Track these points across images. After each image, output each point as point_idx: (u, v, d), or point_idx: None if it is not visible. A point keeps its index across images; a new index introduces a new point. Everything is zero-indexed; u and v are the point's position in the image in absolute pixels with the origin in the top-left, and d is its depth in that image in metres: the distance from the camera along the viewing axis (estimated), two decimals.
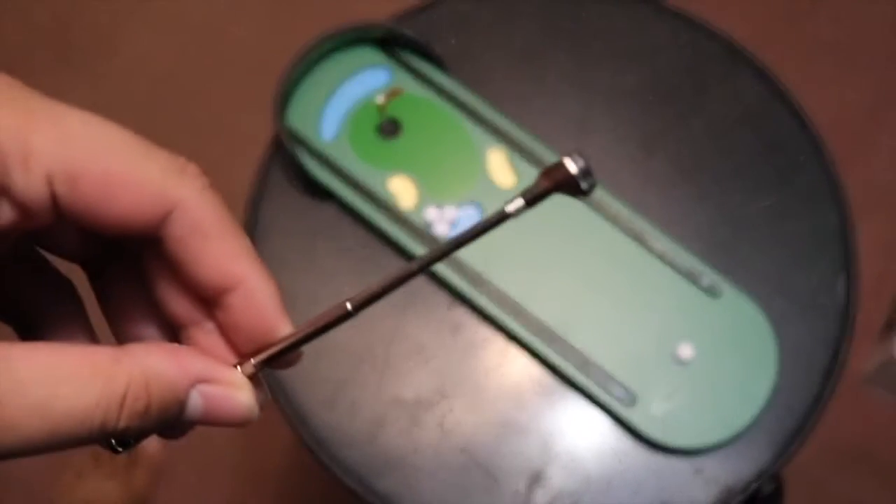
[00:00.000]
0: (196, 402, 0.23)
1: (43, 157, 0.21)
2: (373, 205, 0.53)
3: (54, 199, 0.22)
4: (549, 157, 0.53)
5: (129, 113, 0.97)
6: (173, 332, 0.26)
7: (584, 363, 0.50)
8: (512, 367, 0.51)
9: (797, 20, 0.99)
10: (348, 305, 0.24)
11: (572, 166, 0.24)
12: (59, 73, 1.00)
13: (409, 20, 0.57)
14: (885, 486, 0.85)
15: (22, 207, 0.22)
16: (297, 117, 0.54)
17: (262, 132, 0.56)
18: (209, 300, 0.25)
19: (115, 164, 0.22)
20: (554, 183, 0.24)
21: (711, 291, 0.51)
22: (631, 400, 0.49)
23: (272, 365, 0.25)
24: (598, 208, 0.52)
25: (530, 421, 0.50)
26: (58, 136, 0.22)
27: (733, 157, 0.55)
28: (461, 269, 0.52)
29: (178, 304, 0.25)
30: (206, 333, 0.25)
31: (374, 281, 0.24)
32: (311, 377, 0.51)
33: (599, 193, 0.53)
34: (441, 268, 0.51)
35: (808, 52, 0.97)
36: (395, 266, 0.53)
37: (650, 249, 0.52)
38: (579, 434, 0.50)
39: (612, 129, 0.55)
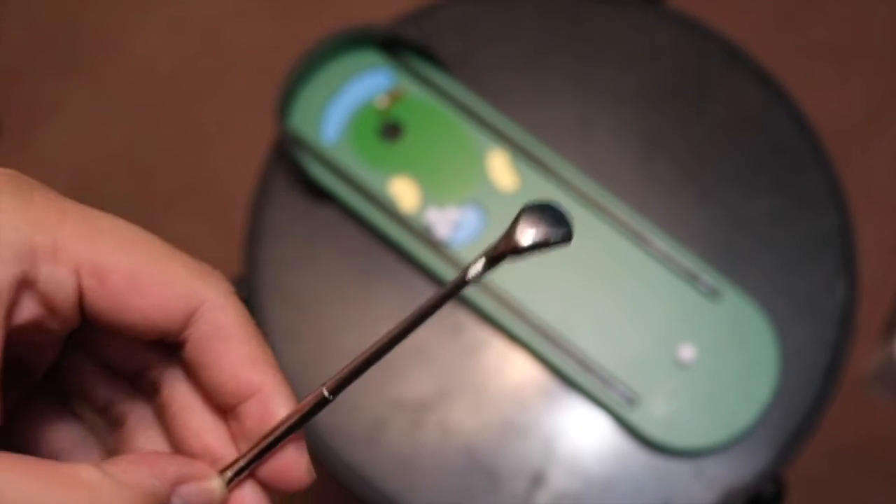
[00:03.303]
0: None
1: (72, 250, 0.22)
2: (374, 206, 0.53)
3: (81, 294, 0.22)
4: (550, 159, 0.53)
5: (134, 115, 0.98)
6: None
7: (585, 364, 0.50)
8: (513, 368, 0.51)
9: (797, 23, 0.99)
10: (325, 391, 0.24)
11: (524, 237, 0.22)
12: (64, 76, 1.00)
13: (411, 23, 0.57)
14: (886, 486, 0.85)
15: (48, 303, 0.22)
16: (300, 119, 0.54)
17: (265, 134, 0.56)
18: (224, 409, 0.25)
19: (143, 260, 0.23)
20: (504, 251, 0.22)
21: (712, 293, 0.51)
22: (632, 401, 0.50)
23: (276, 486, 0.25)
24: (600, 210, 0.53)
25: (531, 422, 0.50)
26: (87, 231, 0.22)
27: (734, 158, 0.55)
28: (460, 267, 0.52)
29: (197, 438, 0.25)
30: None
31: (347, 363, 0.24)
32: (311, 379, 0.51)
33: (600, 195, 0.53)
34: (442, 269, 0.52)
35: (808, 54, 0.97)
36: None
37: (651, 251, 0.52)
38: (580, 435, 0.50)
39: (613, 130, 0.56)
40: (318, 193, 0.54)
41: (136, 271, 0.22)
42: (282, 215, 0.54)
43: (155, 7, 1.03)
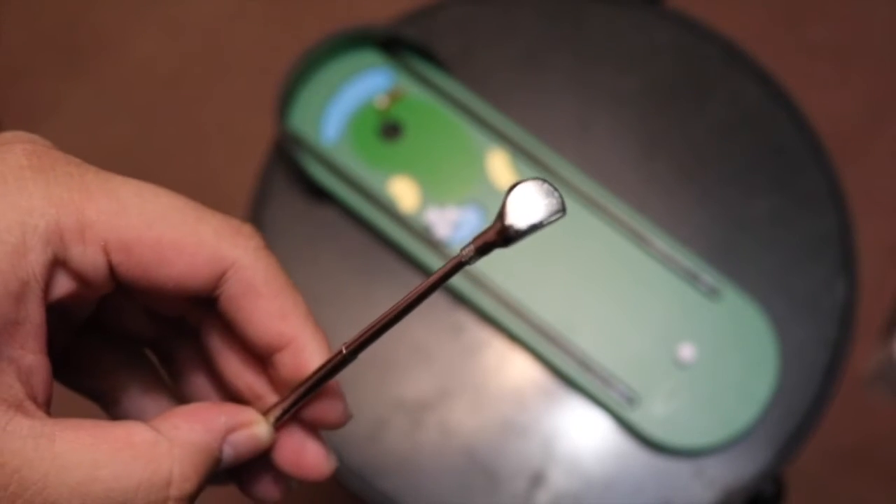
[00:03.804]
0: (228, 453, 0.24)
1: (98, 228, 0.22)
2: (374, 206, 0.53)
3: (111, 267, 0.23)
4: (551, 159, 0.53)
5: (133, 115, 0.98)
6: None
7: (585, 364, 0.50)
8: (513, 368, 0.51)
9: (797, 23, 0.99)
10: (343, 349, 0.25)
11: (518, 219, 0.21)
12: (64, 76, 1.00)
13: (411, 22, 0.57)
14: (886, 486, 0.85)
15: (81, 278, 0.23)
16: (299, 119, 0.54)
17: (265, 134, 0.56)
18: (264, 360, 0.26)
19: (169, 229, 0.23)
20: (493, 238, 0.22)
21: (712, 292, 0.51)
22: (632, 401, 0.50)
23: (319, 424, 0.26)
24: (600, 209, 0.53)
25: (531, 422, 0.50)
26: (112, 207, 0.23)
27: (734, 158, 0.55)
28: (462, 270, 0.52)
29: (239, 378, 0.26)
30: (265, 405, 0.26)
31: (370, 322, 0.25)
32: None
33: (600, 194, 0.53)
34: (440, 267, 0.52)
35: (808, 54, 0.97)
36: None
37: (651, 250, 0.52)
38: (580, 435, 0.50)
39: (612, 130, 0.56)
40: (318, 193, 0.54)
41: (161, 243, 0.23)
42: (281, 215, 0.54)
43: (155, 7, 1.03)
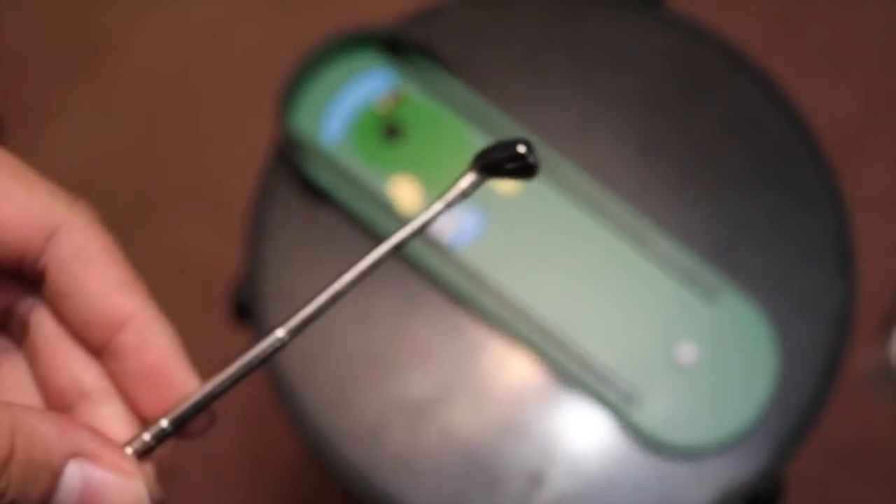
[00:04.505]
0: (73, 480, 0.19)
1: None
2: (375, 208, 0.53)
3: None
4: (551, 160, 0.53)
5: (135, 116, 0.98)
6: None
7: (585, 364, 0.50)
8: (513, 367, 0.52)
9: (795, 24, 1.00)
10: (281, 332, 0.21)
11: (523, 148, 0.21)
12: (65, 77, 1.00)
13: (413, 24, 0.57)
14: (884, 486, 0.85)
15: None
16: (301, 120, 0.54)
17: (266, 135, 0.56)
18: (98, 348, 0.22)
19: (2, 176, 0.21)
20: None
21: (711, 293, 0.51)
22: (631, 401, 0.50)
23: (180, 433, 0.21)
24: (600, 210, 0.53)
25: (531, 421, 0.51)
26: None
27: (732, 159, 0.55)
28: (462, 269, 0.52)
29: (63, 371, 0.22)
30: (96, 407, 0.22)
31: (303, 301, 0.22)
32: (312, 378, 0.51)
33: (600, 195, 0.53)
34: (442, 269, 0.52)
35: (806, 56, 0.97)
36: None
37: (650, 251, 0.52)
38: (580, 435, 0.50)
39: (612, 131, 0.56)
40: (319, 195, 0.54)
41: None
42: (283, 216, 0.54)
43: (156, 8, 1.03)
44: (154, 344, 0.21)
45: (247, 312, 0.53)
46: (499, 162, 0.21)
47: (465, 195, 0.22)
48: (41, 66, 1.01)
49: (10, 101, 0.98)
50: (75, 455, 0.19)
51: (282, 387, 0.50)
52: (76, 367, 0.22)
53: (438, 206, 0.22)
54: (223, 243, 0.72)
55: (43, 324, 0.22)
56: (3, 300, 0.22)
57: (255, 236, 0.54)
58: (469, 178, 0.22)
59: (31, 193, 0.21)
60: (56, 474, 0.19)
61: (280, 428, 0.52)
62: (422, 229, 0.22)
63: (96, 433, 0.20)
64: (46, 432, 0.19)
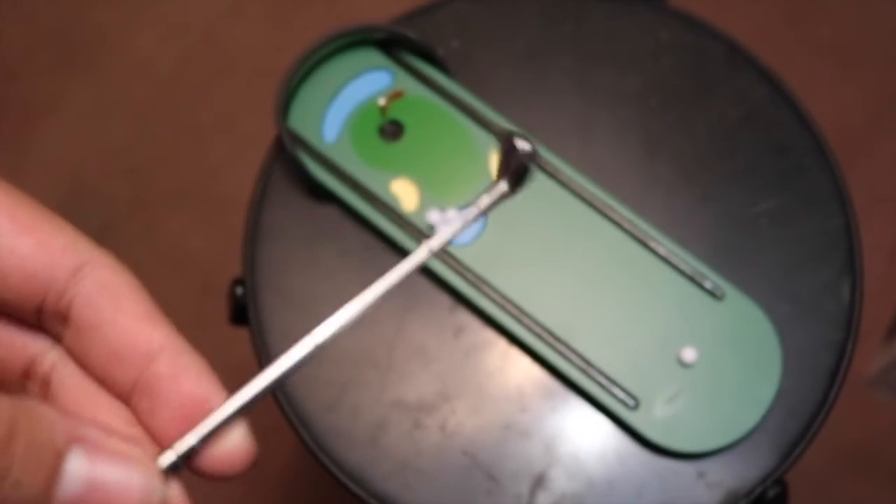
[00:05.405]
0: (78, 467, 0.19)
1: None
2: (374, 207, 0.52)
3: None
4: (551, 159, 0.53)
5: (132, 115, 0.97)
6: None
7: (587, 366, 0.50)
8: (514, 369, 0.51)
9: (800, 22, 0.99)
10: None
11: (524, 145, 0.22)
12: (62, 75, 1.00)
13: (411, 22, 0.57)
14: (890, 488, 0.85)
15: None
16: (299, 119, 0.54)
17: (264, 134, 0.56)
18: (128, 387, 0.21)
19: (25, 212, 0.21)
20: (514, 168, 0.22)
21: (715, 294, 0.51)
22: (634, 403, 0.49)
23: (205, 471, 0.21)
24: (601, 210, 0.52)
25: (532, 424, 0.50)
26: None
27: (736, 158, 0.55)
28: (463, 271, 0.51)
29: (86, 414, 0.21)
30: None
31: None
32: (312, 380, 0.50)
33: (601, 195, 0.52)
34: (443, 270, 0.51)
35: (812, 53, 0.97)
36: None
37: (653, 252, 0.52)
38: (582, 437, 0.50)
39: (614, 130, 0.55)
40: (318, 194, 0.53)
41: (14, 215, 0.21)
42: (281, 215, 0.54)
43: (154, 6, 1.03)
44: (189, 373, 0.21)
45: (245, 312, 0.53)
46: (510, 162, 0.22)
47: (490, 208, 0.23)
48: (38, 63, 1.01)
49: (6, 99, 0.98)
50: (79, 440, 0.19)
51: (281, 387, 0.50)
52: (104, 416, 0.22)
53: (477, 209, 0.24)
54: (221, 242, 0.71)
55: (67, 377, 0.22)
56: (25, 357, 0.23)
57: (254, 234, 0.54)
58: (500, 190, 0.23)
59: (57, 228, 0.21)
60: (60, 455, 0.18)
61: (280, 428, 0.51)
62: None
63: (107, 429, 0.20)
64: (49, 415, 0.18)
